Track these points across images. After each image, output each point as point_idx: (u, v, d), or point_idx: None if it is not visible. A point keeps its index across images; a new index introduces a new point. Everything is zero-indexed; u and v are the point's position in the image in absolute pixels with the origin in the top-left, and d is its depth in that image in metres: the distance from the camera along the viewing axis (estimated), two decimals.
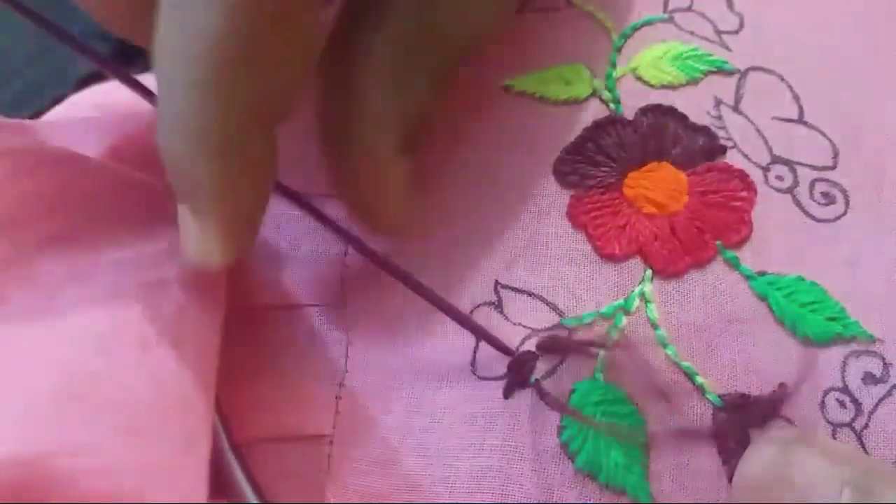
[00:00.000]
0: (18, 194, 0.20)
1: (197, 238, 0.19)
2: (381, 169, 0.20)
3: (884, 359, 0.21)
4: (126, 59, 0.38)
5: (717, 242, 0.22)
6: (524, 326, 0.21)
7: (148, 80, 0.27)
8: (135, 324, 0.20)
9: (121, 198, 0.22)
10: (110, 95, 0.26)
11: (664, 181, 0.22)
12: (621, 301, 0.21)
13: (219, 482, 0.21)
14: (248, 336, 0.23)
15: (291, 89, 0.18)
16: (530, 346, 0.21)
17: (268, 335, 0.23)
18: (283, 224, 0.23)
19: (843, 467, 0.18)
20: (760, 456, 0.19)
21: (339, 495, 0.21)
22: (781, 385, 0.20)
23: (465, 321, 0.21)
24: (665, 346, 0.21)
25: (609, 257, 0.22)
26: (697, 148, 0.23)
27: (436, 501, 0.20)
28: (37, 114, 0.27)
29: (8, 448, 0.16)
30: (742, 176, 0.22)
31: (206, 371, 0.20)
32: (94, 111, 0.26)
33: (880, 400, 0.20)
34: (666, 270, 0.22)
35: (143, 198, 0.22)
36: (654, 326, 0.21)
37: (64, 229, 0.21)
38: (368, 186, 0.20)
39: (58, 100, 0.29)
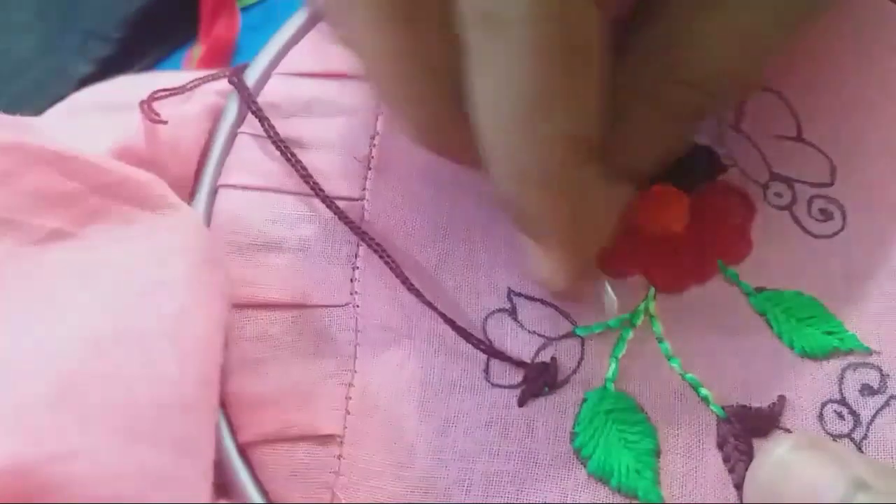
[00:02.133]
0: (19, 190, 0.20)
1: (543, 265, 0.21)
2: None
3: (881, 370, 0.21)
4: (128, 61, 0.38)
5: (718, 260, 0.22)
6: (539, 335, 0.22)
7: (149, 79, 0.27)
8: (135, 323, 0.19)
9: (122, 196, 0.22)
10: (111, 94, 0.26)
11: (667, 202, 0.23)
12: (627, 315, 0.22)
13: (224, 483, 0.21)
14: (255, 335, 0.23)
15: (594, 121, 0.18)
16: (545, 356, 0.22)
17: (276, 334, 0.22)
18: (295, 224, 0.23)
19: (851, 468, 0.18)
20: (770, 458, 0.19)
21: (349, 496, 0.21)
22: (781, 397, 0.21)
23: (476, 342, 0.22)
24: (670, 358, 0.22)
25: (615, 276, 0.22)
26: (699, 168, 0.23)
27: (451, 502, 0.21)
28: (38, 114, 0.27)
29: (3, 453, 0.16)
30: (742, 195, 0.23)
31: (208, 371, 0.20)
32: (95, 110, 0.26)
33: (878, 410, 0.21)
34: (669, 288, 0.22)
35: (145, 196, 0.22)
36: (660, 340, 0.22)
37: (65, 226, 0.21)
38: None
39: (59, 100, 0.28)
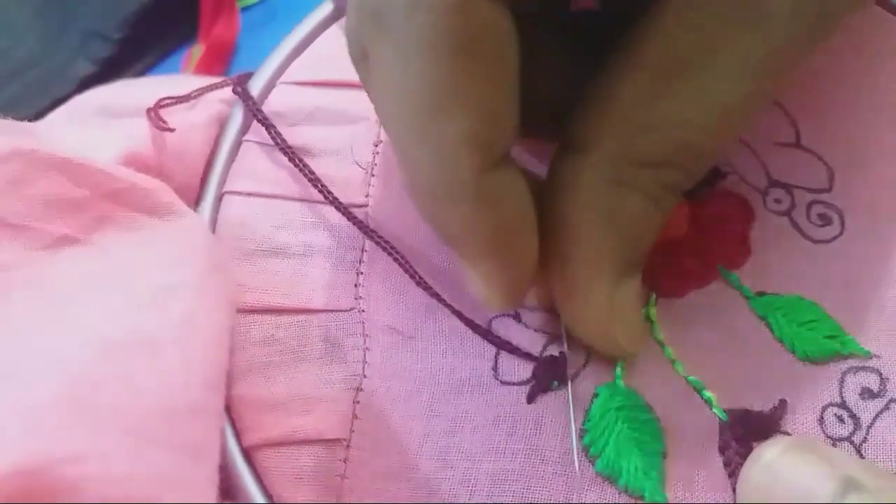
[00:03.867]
0: (27, 197, 0.20)
1: (475, 285, 0.20)
2: (606, 306, 0.20)
3: (881, 374, 0.21)
4: (128, 61, 0.38)
5: (719, 266, 0.23)
6: (544, 332, 0.22)
7: (151, 83, 0.27)
8: (143, 328, 0.20)
9: (130, 203, 0.22)
10: (114, 99, 0.26)
11: None
12: None
13: (229, 486, 0.21)
14: (261, 339, 0.23)
15: (505, 122, 0.17)
16: (553, 350, 0.22)
17: (282, 339, 0.23)
18: (300, 230, 0.24)
19: (842, 469, 0.18)
20: (761, 461, 0.19)
21: (355, 499, 0.21)
22: (782, 401, 0.21)
23: (484, 333, 0.22)
24: (673, 361, 0.22)
25: None
26: None
27: (456, 503, 0.21)
28: (38, 114, 0.27)
29: (14, 456, 0.16)
30: (741, 201, 0.23)
31: (215, 375, 0.20)
32: (98, 115, 0.26)
33: (878, 414, 0.21)
34: (670, 294, 0.23)
35: (152, 203, 0.22)
36: (662, 345, 0.22)
37: (73, 232, 0.21)
38: (597, 322, 0.20)
39: (59, 100, 0.28)
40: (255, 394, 0.22)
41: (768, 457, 0.19)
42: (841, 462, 0.18)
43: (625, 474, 0.21)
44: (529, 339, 0.22)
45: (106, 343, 0.19)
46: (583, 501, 0.21)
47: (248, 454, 0.22)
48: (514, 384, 0.22)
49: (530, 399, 0.22)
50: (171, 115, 0.24)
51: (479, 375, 0.22)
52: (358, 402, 0.22)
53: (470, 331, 0.22)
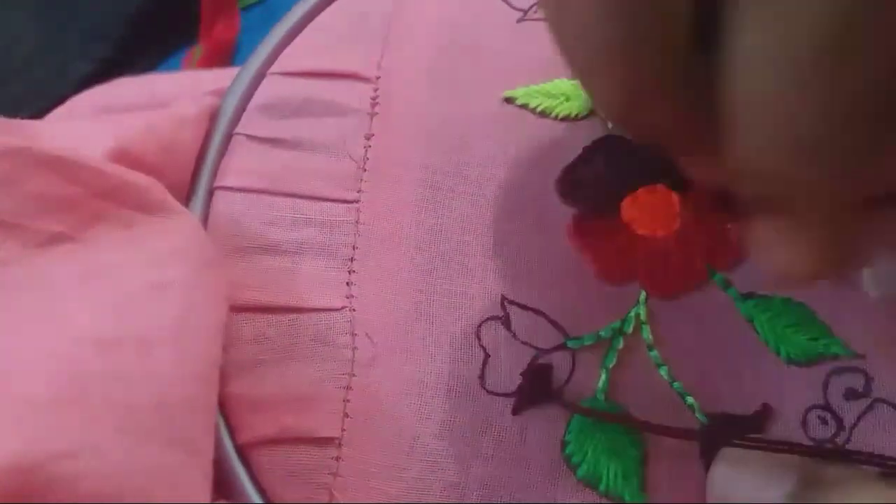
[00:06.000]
0: (21, 194, 0.21)
1: (785, 249, 0.17)
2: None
3: (866, 373, 0.21)
4: (128, 61, 0.38)
5: (707, 266, 0.23)
6: (531, 346, 0.22)
7: (148, 81, 0.27)
8: (137, 325, 0.20)
9: (123, 200, 0.22)
10: (111, 96, 0.27)
11: (658, 204, 0.23)
12: (618, 323, 0.22)
13: (222, 483, 0.22)
14: (253, 337, 0.23)
15: None
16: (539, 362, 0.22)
17: (273, 337, 0.23)
18: (291, 227, 0.24)
19: (802, 464, 0.19)
20: (726, 455, 0.20)
21: (347, 497, 0.22)
22: (764, 405, 0.21)
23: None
24: (659, 366, 0.22)
25: (607, 279, 0.22)
26: None
27: None
28: (37, 114, 0.28)
29: (9, 451, 0.16)
30: (734, 197, 0.23)
31: (208, 372, 0.20)
32: (95, 112, 0.26)
33: (861, 414, 0.21)
34: (659, 293, 0.23)
35: (145, 200, 0.22)
36: (649, 347, 0.22)
37: (66, 230, 0.21)
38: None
39: (59, 100, 0.29)
40: (247, 392, 0.22)
41: (734, 453, 0.20)
42: (803, 460, 0.19)
43: (605, 480, 0.21)
44: (515, 351, 0.22)
45: (99, 340, 0.19)
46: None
47: (241, 452, 0.22)
48: (499, 395, 0.22)
49: (515, 411, 0.22)
50: (162, 110, 0.24)
51: (465, 383, 0.22)
52: (348, 401, 0.22)
53: (459, 336, 0.22)
